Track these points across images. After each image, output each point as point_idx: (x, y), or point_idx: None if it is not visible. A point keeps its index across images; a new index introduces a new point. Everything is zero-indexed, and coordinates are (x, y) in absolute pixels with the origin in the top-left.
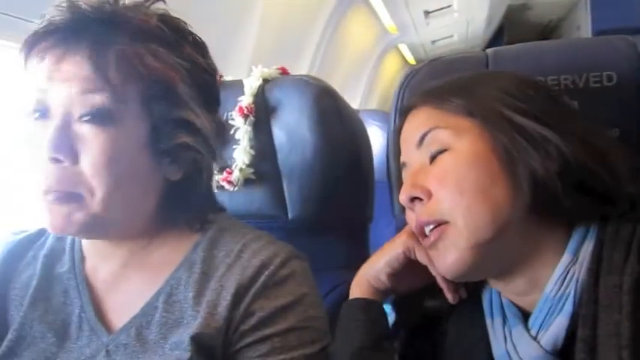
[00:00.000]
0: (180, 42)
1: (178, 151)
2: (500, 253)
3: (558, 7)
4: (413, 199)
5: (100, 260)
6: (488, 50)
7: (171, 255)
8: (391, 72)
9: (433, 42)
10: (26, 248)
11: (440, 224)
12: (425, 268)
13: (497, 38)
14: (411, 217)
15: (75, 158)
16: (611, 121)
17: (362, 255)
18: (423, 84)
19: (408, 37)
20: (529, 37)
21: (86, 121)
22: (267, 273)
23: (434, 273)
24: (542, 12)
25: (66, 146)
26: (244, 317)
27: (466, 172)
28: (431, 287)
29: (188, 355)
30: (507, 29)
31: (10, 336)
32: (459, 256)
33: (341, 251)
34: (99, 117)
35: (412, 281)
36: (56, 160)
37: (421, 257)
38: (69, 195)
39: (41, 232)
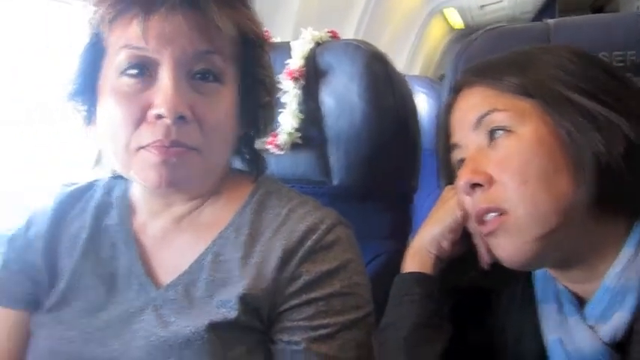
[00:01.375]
0: (249, 4)
1: (254, 110)
2: (561, 243)
3: None
4: (473, 186)
5: (151, 217)
6: (550, 21)
7: (219, 215)
8: (436, 37)
9: (481, 7)
10: (76, 199)
11: (499, 212)
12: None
13: (548, 6)
14: (467, 202)
15: (192, 114)
16: None
17: (405, 225)
18: (479, 54)
19: (455, 0)
20: (582, 6)
21: (201, 79)
22: (313, 238)
23: (477, 242)
24: None
25: (186, 103)
26: (291, 280)
27: (530, 159)
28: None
29: (235, 313)
30: None
31: (61, 285)
32: (520, 246)
33: (384, 220)
34: (214, 75)
35: (459, 248)
36: (180, 117)
37: (473, 227)
38: (186, 149)
39: (90, 185)
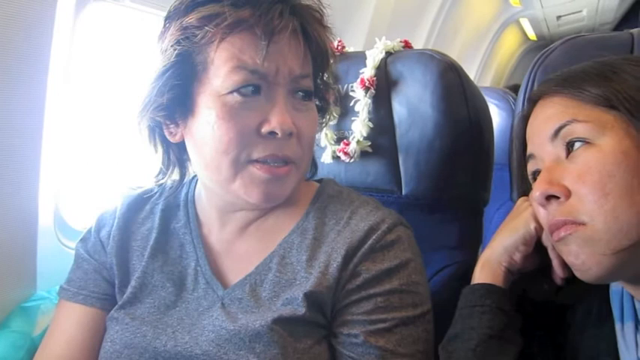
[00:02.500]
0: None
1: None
2: (638, 259)
3: None
4: (549, 197)
5: (218, 222)
6: (634, 30)
7: (284, 221)
8: (509, 48)
9: (558, 17)
10: (143, 202)
11: (574, 223)
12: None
13: (630, 17)
14: (542, 214)
15: (296, 130)
16: None
17: (475, 237)
18: (558, 64)
19: (531, 10)
20: None
21: (300, 98)
22: (374, 237)
23: (552, 256)
24: None
25: (292, 121)
26: (351, 277)
27: (612, 172)
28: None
29: (302, 310)
30: None
31: (133, 283)
32: (595, 259)
33: (453, 231)
34: (310, 94)
35: (532, 261)
36: (290, 134)
37: (547, 240)
38: (291, 165)
39: (155, 189)
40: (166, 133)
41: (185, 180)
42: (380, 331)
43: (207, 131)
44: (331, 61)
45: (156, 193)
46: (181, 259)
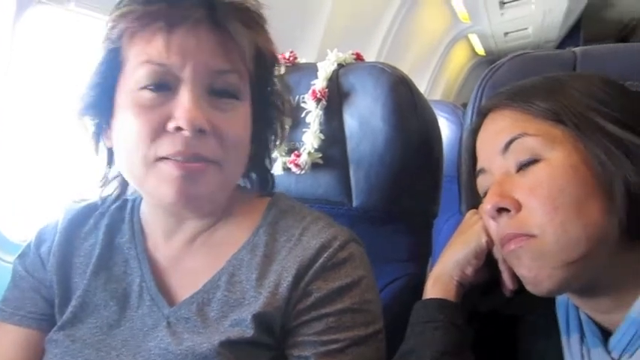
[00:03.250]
0: (265, 25)
1: (264, 127)
2: (588, 271)
3: None
4: (500, 210)
5: (164, 237)
6: (577, 49)
7: (233, 236)
8: (459, 62)
9: (506, 34)
10: (87, 216)
11: (527, 237)
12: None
13: (572, 35)
14: (492, 227)
15: (211, 128)
16: None
17: (425, 250)
18: (505, 80)
19: (479, 26)
20: (607, 35)
21: (219, 96)
22: (326, 255)
23: (502, 268)
24: (624, 10)
25: (205, 117)
26: (302, 296)
27: (561, 186)
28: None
29: (251, 332)
30: (584, 26)
31: (74, 302)
32: (546, 272)
33: (403, 244)
34: (232, 93)
35: (483, 274)
36: (201, 131)
37: (497, 253)
38: (206, 163)
39: (100, 202)
40: (103, 138)
41: (128, 192)
42: (332, 352)
43: (122, 131)
44: (275, 67)
45: (100, 206)
46: (126, 276)
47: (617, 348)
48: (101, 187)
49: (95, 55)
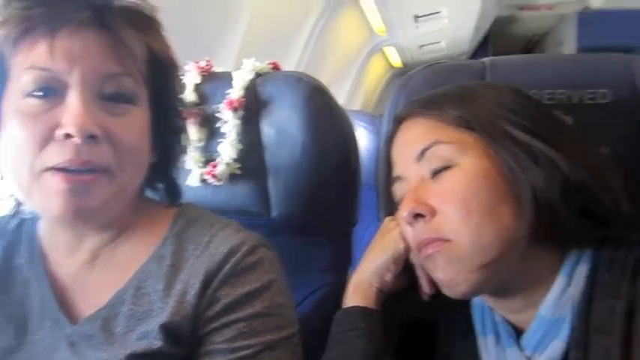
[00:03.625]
0: (159, 27)
1: (166, 135)
2: (501, 273)
3: (543, 22)
4: (416, 216)
5: (65, 254)
6: (486, 59)
7: (139, 248)
8: (376, 74)
9: (421, 46)
10: None
11: (441, 240)
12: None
13: (482, 48)
14: (409, 233)
15: (103, 134)
16: (602, 139)
17: (344, 258)
18: (420, 89)
19: (395, 40)
20: (513, 49)
21: (112, 101)
22: (233, 260)
23: (419, 274)
24: (528, 26)
25: (96, 122)
26: (210, 304)
27: (474, 191)
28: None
29: (159, 343)
30: (492, 40)
31: None
32: (462, 275)
33: (323, 254)
34: (126, 97)
35: (401, 280)
36: (91, 137)
37: (415, 258)
38: (97, 173)
39: None
40: None
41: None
42: (243, 358)
43: (8, 142)
44: (175, 72)
45: None
46: (26, 297)
47: (530, 346)
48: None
49: None
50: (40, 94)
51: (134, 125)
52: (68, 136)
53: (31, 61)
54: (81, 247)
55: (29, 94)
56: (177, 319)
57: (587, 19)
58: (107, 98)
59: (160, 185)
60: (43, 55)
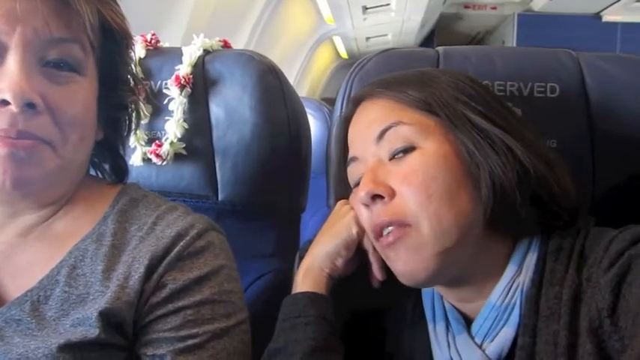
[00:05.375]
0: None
1: (115, 110)
2: (457, 260)
3: (487, 20)
4: (374, 197)
5: None
6: (439, 48)
7: (76, 225)
8: (323, 63)
9: (367, 38)
10: None
11: (401, 226)
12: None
13: (427, 43)
14: (366, 216)
15: (44, 103)
16: (550, 132)
17: (292, 244)
18: (373, 74)
19: (343, 30)
20: (457, 45)
21: (55, 68)
22: (182, 244)
23: (372, 259)
24: (472, 24)
25: (36, 90)
26: (155, 289)
27: (434, 174)
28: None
29: (96, 331)
30: (438, 36)
31: None
32: (422, 263)
33: (271, 239)
34: (71, 65)
35: (351, 266)
36: (30, 105)
37: (367, 244)
38: (37, 141)
39: None
40: None
41: None
42: (190, 347)
43: None
44: (128, 44)
45: None
46: None
47: (480, 333)
48: None
49: None
50: None
51: (78, 96)
52: (5, 102)
53: None
54: (12, 223)
55: None
56: (118, 305)
57: (527, 20)
58: (51, 65)
59: (106, 166)
60: None
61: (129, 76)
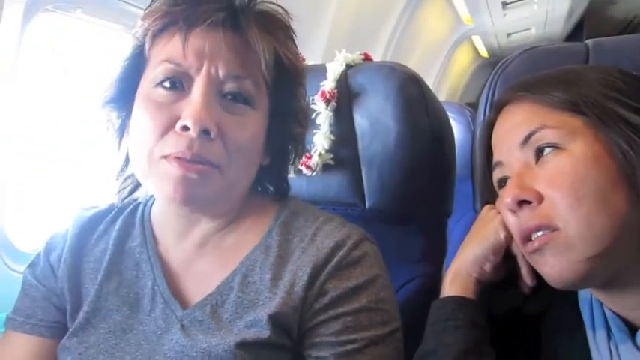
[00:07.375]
0: (290, 34)
1: (282, 141)
2: (612, 264)
3: None
4: (520, 203)
5: (175, 239)
6: (588, 41)
7: (244, 239)
8: (462, 64)
9: (509, 35)
10: (97, 223)
11: (549, 230)
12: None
13: (575, 34)
14: (512, 221)
15: (217, 131)
16: None
17: (439, 250)
18: (517, 74)
19: (482, 28)
20: (610, 33)
21: (231, 100)
22: (340, 254)
23: (521, 264)
24: (628, 6)
25: (213, 119)
26: (318, 296)
27: (584, 176)
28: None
29: (267, 333)
30: (587, 25)
31: (86, 308)
32: (570, 266)
33: (417, 244)
34: (245, 98)
35: (500, 271)
36: (206, 132)
37: (516, 249)
38: (208, 166)
39: (111, 208)
40: (120, 133)
41: (140, 195)
42: (350, 352)
43: (135, 127)
44: (300, 80)
45: (110, 212)
46: (137, 279)
47: None
48: (117, 181)
49: (124, 50)
50: (168, 85)
51: (248, 126)
52: (185, 128)
53: (166, 54)
54: (190, 234)
55: (159, 84)
56: (285, 310)
57: None
58: (228, 97)
59: (270, 187)
60: (177, 51)
61: (297, 109)
